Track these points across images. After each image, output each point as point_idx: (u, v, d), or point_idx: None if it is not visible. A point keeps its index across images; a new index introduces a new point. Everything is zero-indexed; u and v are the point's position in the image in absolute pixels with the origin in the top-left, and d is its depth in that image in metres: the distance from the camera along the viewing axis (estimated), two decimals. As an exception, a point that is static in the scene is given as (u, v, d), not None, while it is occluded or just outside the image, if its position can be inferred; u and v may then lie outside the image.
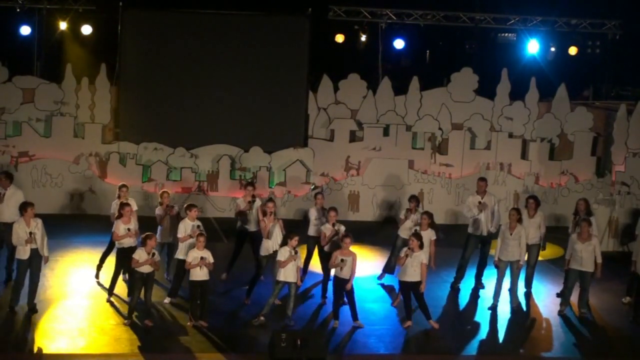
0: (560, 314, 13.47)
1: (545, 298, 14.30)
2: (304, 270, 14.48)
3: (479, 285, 14.69)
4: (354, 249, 12.71)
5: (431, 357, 11.87)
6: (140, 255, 12.14)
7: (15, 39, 19.97)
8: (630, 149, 19.15)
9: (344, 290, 12.47)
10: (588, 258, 13.16)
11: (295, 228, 14.37)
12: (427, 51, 22.46)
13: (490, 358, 11.98)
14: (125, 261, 13.11)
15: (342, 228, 13.50)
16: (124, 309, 12.62)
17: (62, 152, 18.92)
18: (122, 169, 18.98)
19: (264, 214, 13.45)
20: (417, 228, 13.58)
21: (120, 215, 13.18)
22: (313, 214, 14.32)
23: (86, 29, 19.76)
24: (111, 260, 13.74)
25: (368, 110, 19.84)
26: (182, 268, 12.88)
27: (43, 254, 12.53)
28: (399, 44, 21.03)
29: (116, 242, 13.27)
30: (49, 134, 19.02)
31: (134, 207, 13.72)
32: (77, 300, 13.18)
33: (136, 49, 19.19)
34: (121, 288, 13.40)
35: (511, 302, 13.74)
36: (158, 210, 13.94)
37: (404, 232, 14.33)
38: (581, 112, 20.04)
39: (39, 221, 12.54)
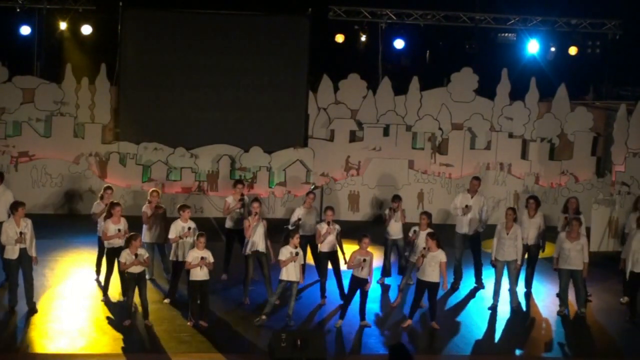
0: (560, 314, 13.47)
1: (545, 298, 14.30)
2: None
3: (479, 285, 14.70)
4: (352, 248, 12.72)
5: (431, 357, 11.87)
6: (125, 257, 12.11)
7: (15, 39, 19.96)
8: (630, 149, 19.16)
9: (360, 289, 12.46)
10: (576, 257, 13.13)
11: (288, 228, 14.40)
12: (427, 51, 22.43)
13: (490, 358, 11.99)
14: (115, 261, 13.11)
15: (337, 227, 13.51)
16: (123, 309, 12.61)
17: (62, 152, 18.93)
18: (122, 169, 18.98)
19: (249, 213, 13.45)
20: (417, 228, 13.56)
21: (110, 215, 13.16)
22: (300, 213, 14.23)
23: (86, 29, 19.75)
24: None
25: (368, 110, 19.84)
26: (177, 269, 12.90)
27: (31, 254, 12.51)
28: (399, 44, 21.03)
29: (105, 242, 13.24)
30: (49, 134, 19.02)
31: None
32: (77, 300, 13.19)
33: (136, 49, 19.20)
34: (116, 288, 13.39)
35: (511, 302, 13.74)
36: (145, 209, 13.91)
37: (391, 232, 14.36)
38: (581, 112, 20.04)
39: (29, 221, 12.53)
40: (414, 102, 19.89)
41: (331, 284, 13.66)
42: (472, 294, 14.45)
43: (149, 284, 13.33)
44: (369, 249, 12.53)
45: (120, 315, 12.45)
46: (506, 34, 21.38)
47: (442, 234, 17.02)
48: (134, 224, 13.64)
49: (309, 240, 14.10)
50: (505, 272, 13.64)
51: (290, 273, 12.34)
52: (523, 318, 13.47)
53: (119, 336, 11.86)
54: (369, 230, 16.18)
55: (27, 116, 18.95)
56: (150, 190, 14.39)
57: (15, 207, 12.55)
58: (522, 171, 19.91)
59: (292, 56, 19.57)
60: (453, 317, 13.39)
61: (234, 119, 19.56)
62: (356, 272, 12.42)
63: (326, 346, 11.29)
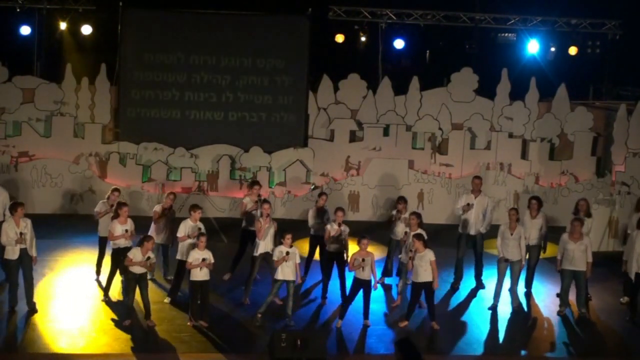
0: (560, 314, 13.47)
1: (546, 298, 14.30)
2: (305, 270, 14.50)
3: (479, 285, 14.70)
4: (354, 248, 12.72)
5: (431, 357, 11.87)
6: (135, 254, 12.12)
7: (15, 39, 19.96)
8: (630, 149, 19.15)
9: (363, 290, 12.46)
10: (580, 257, 13.15)
11: (295, 228, 14.40)
12: (427, 51, 22.43)
13: (490, 358, 11.99)
14: (120, 261, 13.13)
15: (347, 229, 13.51)
16: (124, 309, 12.62)
17: (62, 152, 18.92)
18: (122, 169, 18.98)
19: (260, 215, 13.48)
20: (408, 229, 13.53)
21: (117, 215, 13.18)
22: (313, 214, 14.34)
23: (86, 29, 19.75)
24: (109, 259, 13.76)
25: (368, 110, 19.84)
26: (181, 268, 12.89)
27: (32, 254, 12.52)
28: (399, 44, 21.02)
29: (111, 242, 13.25)
30: (49, 134, 19.02)
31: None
32: (77, 300, 13.19)
33: (136, 49, 19.19)
34: (117, 288, 13.40)
35: (512, 302, 13.74)
36: (157, 208, 13.94)
37: (397, 233, 14.38)
38: (581, 112, 20.03)
39: (28, 221, 12.54)
40: (414, 102, 19.88)
41: (333, 284, 13.65)
42: (472, 294, 14.45)
43: (150, 284, 13.34)
44: (370, 249, 12.54)
45: (121, 315, 12.46)
46: (506, 34, 21.37)
47: (445, 234, 17.13)
48: (135, 224, 13.64)
49: (319, 241, 14.12)
50: (507, 272, 13.64)
51: (285, 272, 12.35)
52: (524, 318, 13.47)
53: (119, 336, 11.87)
54: (369, 230, 16.22)
55: (27, 116, 18.95)
56: (168, 192, 14.54)
57: (14, 207, 12.57)
58: (522, 171, 19.90)
59: (292, 56, 19.56)
60: (453, 317, 13.39)
61: (234, 119, 19.57)
62: (358, 273, 12.43)
63: (326, 346, 11.30)
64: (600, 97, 22.01)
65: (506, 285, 13.76)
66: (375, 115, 19.82)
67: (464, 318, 13.39)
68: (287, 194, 19.27)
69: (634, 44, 21.14)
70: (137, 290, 12.25)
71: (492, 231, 14.40)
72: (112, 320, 12.44)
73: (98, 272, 14.12)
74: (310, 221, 14.36)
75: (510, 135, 20.04)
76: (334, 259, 13.49)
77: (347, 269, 13.03)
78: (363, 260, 12.28)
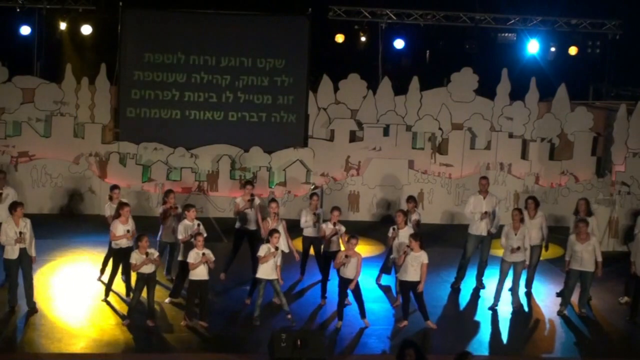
0: (560, 314, 13.47)
1: (546, 298, 14.30)
2: (301, 270, 14.52)
3: (479, 285, 14.69)
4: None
5: (431, 357, 11.86)
6: (136, 258, 12.14)
7: (15, 39, 19.93)
8: (630, 149, 19.14)
9: (350, 290, 12.47)
10: (589, 258, 13.17)
11: (295, 228, 14.42)
12: (427, 51, 22.40)
13: (490, 358, 11.99)
14: (122, 261, 13.15)
15: (343, 229, 13.52)
16: (123, 309, 12.63)
17: (62, 152, 18.92)
18: (122, 169, 18.98)
19: (267, 214, 13.47)
20: (395, 227, 13.48)
21: (118, 215, 13.19)
22: (306, 215, 14.29)
23: (86, 29, 19.71)
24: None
25: (368, 110, 19.83)
26: (183, 269, 12.89)
27: (31, 254, 12.53)
28: (399, 44, 20.99)
29: (112, 243, 13.27)
30: (49, 134, 19.02)
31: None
32: (77, 300, 13.19)
33: (136, 49, 19.18)
34: (119, 288, 13.41)
35: (512, 302, 13.74)
36: (161, 209, 13.97)
37: (401, 235, 14.35)
38: (581, 112, 20.02)
39: (28, 221, 12.57)
40: (414, 102, 19.88)
41: (332, 284, 13.64)
42: (472, 294, 14.44)
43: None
44: (370, 248, 12.53)
45: (121, 315, 12.46)
46: (506, 34, 21.33)
47: (445, 234, 17.14)
48: (136, 224, 13.66)
49: (313, 241, 14.14)
50: (510, 273, 13.63)
51: (266, 271, 12.33)
52: (524, 318, 13.46)
53: (119, 336, 11.87)
54: (369, 230, 16.30)
55: (27, 116, 18.94)
56: (166, 190, 14.50)
57: (14, 207, 12.59)
58: (522, 171, 19.90)
59: (292, 56, 19.55)
60: (453, 317, 13.39)
61: (234, 119, 19.57)
62: (341, 272, 12.42)
63: (326, 346, 11.30)
64: (600, 97, 21.99)
65: (507, 285, 13.75)
66: (375, 115, 19.82)
67: (463, 318, 13.39)
68: (287, 194, 19.27)
69: (634, 44, 21.12)
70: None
71: (498, 232, 14.36)
72: (112, 320, 12.44)
73: (103, 272, 14.11)
74: (303, 221, 14.27)
75: (510, 135, 20.04)
76: (331, 258, 13.49)
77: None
78: (346, 256, 12.27)
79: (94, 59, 19.67)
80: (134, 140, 19.14)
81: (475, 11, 20.81)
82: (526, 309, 13.84)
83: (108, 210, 14.07)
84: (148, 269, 12.16)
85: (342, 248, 13.19)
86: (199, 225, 13.01)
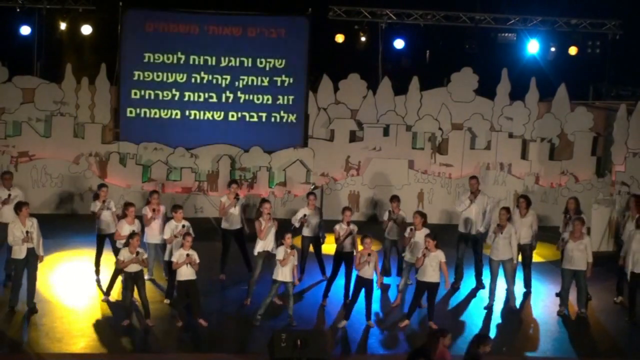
0: (560, 314, 13.48)
1: (545, 298, 14.31)
2: (301, 270, 14.51)
3: (479, 285, 14.70)
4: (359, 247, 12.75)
5: (431, 357, 11.87)
6: (124, 255, 12.15)
7: (15, 39, 19.93)
8: (630, 149, 19.15)
9: (365, 289, 12.47)
10: (580, 257, 13.15)
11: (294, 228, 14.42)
12: (427, 51, 22.41)
13: (490, 358, 11.98)
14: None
15: (355, 228, 13.52)
16: (123, 310, 12.62)
17: (62, 152, 18.93)
18: (122, 169, 18.98)
19: (260, 214, 13.48)
20: (412, 227, 13.51)
21: (124, 216, 13.25)
22: (304, 212, 14.29)
23: (86, 29, 19.72)
24: (109, 259, 13.75)
25: (368, 110, 19.84)
26: (171, 269, 12.90)
27: (39, 254, 12.57)
28: (399, 44, 20.99)
29: (117, 243, 13.30)
30: (49, 134, 19.02)
31: (113, 208, 13.96)
32: (77, 300, 13.20)
33: (136, 49, 19.19)
34: (118, 288, 13.40)
35: (509, 302, 13.74)
36: (144, 210, 13.95)
37: (390, 234, 14.38)
38: (581, 112, 20.03)
39: (34, 221, 12.60)
40: (414, 102, 19.88)
41: (336, 284, 13.64)
42: (472, 294, 14.45)
43: (149, 285, 13.36)
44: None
45: (120, 315, 12.46)
46: (506, 34, 21.33)
47: (445, 234, 17.13)
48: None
49: (312, 241, 14.16)
50: (502, 272, 13.64)
51: (284, 273, 12.35)
52: (523, 318, 13.47)
53: (119, 336, 11.88)
54: (369, 230, 16.23)
55: (27, 116, 18.95)
56: (150, 191, 14.56)
57: (19, 207, 12.67)
58: (522, 171, 19.90)
59: (292, 56, 19.56)
60: (453, 317, 13.40)
61: (234, 119, 19.57)
62: (362, 272, 12.45)
63: (327, 346, 11.29)
64: (600, 97, 21.99)
65: (502, 284, 13.76)
66: (375, 115, 19.82)
67: (463, 318, 13.40)
68: (287, 194, 19.27)
69: (634, 44, 21.13)
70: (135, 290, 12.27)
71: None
72: (112, 320, 12.44)
73: (97, 272, 14.14)
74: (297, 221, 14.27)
75: (510, 135, 20.04)
76: (343, 258, 13.48)
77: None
78: (369, 254, 12.30)
79: (94, 59, 19.68)
80: (134, 140, 19.14)
81: (475, 11, 20.82)
82: (525, 308, 13.84)
83: (94, 206, 14.16)
84: (135, 267, 12.15)
85: (360, 248, 13.11)
86: (183, 226, 13.01)
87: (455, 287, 14.61)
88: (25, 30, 19.83)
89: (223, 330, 12.25)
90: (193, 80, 19.38)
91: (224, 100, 19.51)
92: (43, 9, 19.59)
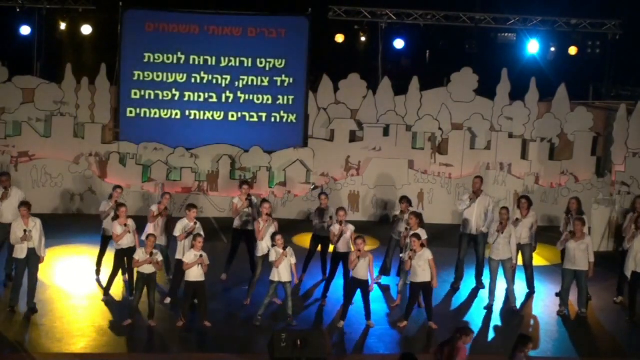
0: (560, 314, 13.47)
1: (545, 298, 14.30)
2: (304, 269, 14.51)
3: (479, 285, 14.70)
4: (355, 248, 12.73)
5: (430, 357, 11.86)
6: (140, 255, 12.18)
7: (15, 39, 19.95)
8: (630, 149, 19.15)
9: (361, 290, 12.47)
10: (581, 257, 13.14)
11: (295, 228, 14.43)
12: (427, 51, 22.43)
13: (490, 358, 11.99)
14: (123, 261, 13.17)
15: (351, 228, 13.51)
16: (124, 309, 12.62)
17: (62, 152, 18.92)
18: (122, 169, 18.98)
19: (259, 214, 13.49)
20: (408, 227, 13.52)
21: (116, 217, 13.23)
22: (315, 214, 14.40)
23: (86, 29, 19.73)
24: (109, 259, 13.75)
25: (368, 110, 19.84)
26: (180, 268, 12.90)
27: (40, 254, 12.56)
28: (399, 44, 21.00)
29: (115, 243, 13.29)
30: (49, 134, 19.02)
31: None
32: (77, 300, 13.20)
33: (136, 49, 19.19)
34: (118, 288, 13.41)
35: (510, 302, 13.73)
36: (153, 207, 13.92)
37: (396, 233, 14.39)
38: (581, 112, 20.03)
39: (38, 221, 12.61)
40: (414, 102, 19.88)
41: (335, 284, 13.64)
42: (472, 294, 14.45)
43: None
44: (369, 248, 12.55)
45: (121, 315, 12.46)
46: (506, 34, 21.35)
47: (445, 234, 17.14)
48: (137, 224, 13.66)
49: (321, 241, 14.17)
50: (502, 272, 13.64)
51: (281, 274, 12.35)
52: (524, 318, 13.47)
53: (119, 336, 11.87)
54: (368, 230, 16.30)
55: (27, 116, 18.95)
56: (163, 192, 14.66)
57: (19, 206, 12.65)
58: (522, 171, 19.90)
59: (292, 56, 19.56)
60: (453, 317, 13.39)
61: (234, 119, 19.58)
62: (354, 272, 12.44)
63: (326, 346, 11.29)
64: (600, 97, 21.99)
65: (502, 284, 13.75)
66: (375, 115, 19.82)
67: (463, 318, 13.39)
68: (287, 194, 19.27)
69: (634, 44, 21.14)
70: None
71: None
72: (112, 320, 12.44)
73: (98, 272, 14.15)
74: (314, 221, 14.42)
75: (510, 135, 20.04)
76: (340, 259, 13.49)
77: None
78: (358, 257, 12.29)
79: (94, 59, 19.69)
80: (134, 140, 19.14)
81: (475, 11, 20.83)
82: (525, 309, 13.84)
83: (104, 206, 14.12)
84: (149, 269, 12.17)
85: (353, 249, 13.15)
86: (195, 223, 13.03)
87: (455, 287, 14.61)
88: (25, 30, 19.84)
89: (223, 331, 12.25)
90: (193, 80, 19.39)
91: (224, 100, 19.52)
92: (43, 9, 19.60)
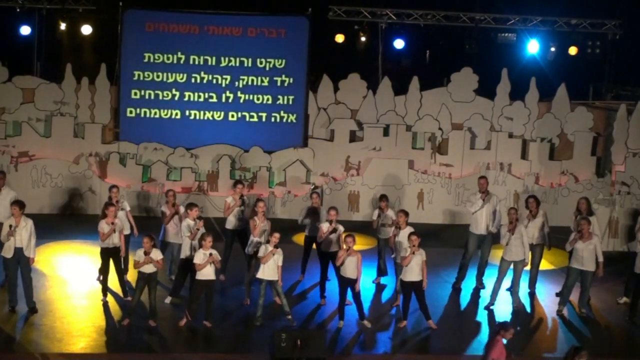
0: (559, 313, 13.47)
1: (546, 298, 14.30)
2: (302, 270, 14.52)
3: (479, 285, 14.69)
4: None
5: (431, 357, 11.89)
6: (139, 255, 12.17)
7: (15, 39, 19.94)
8: (630, 149, 19.14)
9: (348, 289, 12.48)
10: (589, 257, 13.16)
11: (294, 228, 14.43)
12: (427, 51, 22.43)
13: (490, 358, 11.99)
14: (108, 261, 13.10)
15: (341, 228, 13.51)
16: (123, 309, 12.62)
17: (62, 152, 18.92)
18: (122, 169, 18.98)
19: (255, 214, 13.50)
20: (397, 226, 13.47)
21: (104, 216, 13.19)
22: (307, 213, 14.35)
23: (86, 29, 19.73)
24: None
25: (368, 110, 19.83)
26: (185, 268, 12.89)
27: (28, 255, 12.51)
28: (399, 44, 21.00)
29: (100, 242, 13.20)
30: (49, 134, 19.02)
31: (127, 208, 13.93)
32: (77, 300, 13.20)
33: (136, 49, 19.19)
34: (118, 288, 13.40)
35: (512, 302, 13.73)
36: (164, 208, 13.98)
37: (382, 233, 14.37)
38: (581, 112, 20.02)
39: (29, 221, 12.56)
40: (414, 102, 19.88)
41: (332, 284, 13.65)
42: (472, 294, 14.44)
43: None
44: (366, 248, 12.54)
45: (121, 315, 12.46)
46: (506, 34, 21.33)
47: (445, 234, 17.14)
48: (137, 224, 13.65)
49: (315, 240, 14.19)
50: (510, 272, 13.62)
51: (266, 271, 12.35)
52: (525, 318, 13.46)
53: (119, 336, 11.88)
54: (369, 230, 16.23)
55: (27, 116, 18.95)
56: (167, 190, 14.57)
57: (10, 205, 12.66)
58: (522, 171, 19.89)
59: (292, 56, 19.56)
60: (453, 317, 13.40)
61: (234, 119, 19.58)
62: (342, 271, 12.43)
63: (326, 346, 11.30)
64: (600, 97, 21.98)
65: (505, 285, 13.75)
66: (375, 115, 19.82)
67: (463, 318, 13.39)
68: (287, 194, 19.27)
69: (634, 44, 21.12)
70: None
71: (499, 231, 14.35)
72: (112, 320, 12.44)
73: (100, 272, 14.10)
74: (305, 220, 14.37)
75: (510, 135, 20.04)
76: (329, 258, 13.49)
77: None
78: (347, 253, 12.28)
79: (94, 59, 19.69)
80: (134, 140, 19.14)
81: (475, 11, 20.82)
82: (527, 309, 13.84)
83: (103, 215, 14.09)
84: (149, 268, 12.16)
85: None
86: (200, 219, 13.03)
87: (455, 287, 14.60)
88: (25, 30, 19.84)
89: (223, 330, 12.25)
90: (193, 80, 19.39)
91: (224, 100, 19.52)
92: (43, 9, 19.60)
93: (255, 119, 19.63)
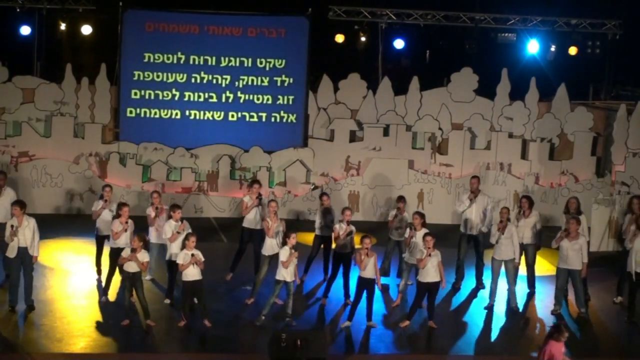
0: (554, 313, 13.47)
1: (545, 298, 14.29)
2: (305, 269, 14.51)
3: (479, 285, 14.70)
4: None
5: (431, 357, 11.89)
6: (127, 252, 12.15)
7: (15, 39, 19.94)
8: (630, 149, 19.15)
9: (367, 290, 12.48)
10: (574, 257, 13.14)
11: (294, 228, 14.41)
12: (427, 51, 22.44)
13: (491, 358, 12.00)
14: (117, 261, 13.12)
15: (353, 228, 13.52)
16: (123, 310, 12.62)
17: (62, 152, 18.92)
18: (122, 169, 18.98)
19: (267, 214, 13.53)
20: (412, 227, 13.50)
21: (118, 216, 13.24)
22: (318, 214, 14.39)
23: (86, 29, 19.74)
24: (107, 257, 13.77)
25: (368, 110, 19.84)
26: (172, 269, 12.89)
27: (32, 254, 12.52)
28: (399, 44, 21.00)
29: (111, 242, 13.28)
30: (49, 134, 19.02)
31: (114, 211, 13.94)
32: (77, 300, 13.20)
33: (136, 49, 19.19)
34: (116, 288, 13.40)
35: (510, 302, 13.74)
36: (148, 211, 13.97)
37: (394, 234, 14.39)
38: (581, 112, 20.03)
39: (32, 220, 12.57)
40: (414, 102, 19.89)
41: (335, 284, 13.64)
42: (472, 294, 14.45)
43: (149, 285, 13.38)
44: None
45: (120, 315, 12.46)
46: (506, 34, 21.34)
47: (445, 234, 17.13)
48: (136, 224, 13.64)
49: (324, 240, 14.18)
50: (503, 272, 13.64)
51: (287, 273, 12.36)
52: (523, 318, 13.48)
53: (119, 336, 11.88)
54: (368, 230, 16.25)
55: (27, 116, 18.95)
56: (152, 191, 14.60)
57: (11, 205, 12.66)
58: (522, 171, 19.90)
59: (292, 56, 19.57)
60: (453, 317, 13.40)
61: (234, 119, 19.58)
62: (362, 272, 12.46)
63: (326, 346, 11.30)
64: (600, 97, 22.00)
65: (503, 284, 13.75)
66: (375, 115, 19.82)
67: (463, 318, 13.40)
68: (287, 194, 19.27)
69: (634, 44, 21.13)
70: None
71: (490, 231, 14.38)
72: (112, 320, 12.44)
73: (99, 272, 14.13)
74: (317, 221, 14.46)
75: (510, 135, 20.04)
76: (341, 258, 13.49)
77: (354, 267, 13.01)
78: (367, 254, 12.33)
79: (94, 59, 19.68)
80: (134, 140, 19.14)
81: (475, 11, 20.83)
82: (526, 309, 13.84)
83: (95, 205, 14.16)
84: (132, 267, 12.12)
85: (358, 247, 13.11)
86: (183, 221, 13.01)
87: (456, 287, 14.61)
88: (25, 30, 19.84)
89: (223, 330, 12.24)
90: (193, 80, 19.40)
91: (224, 100, 19.52)
92: (43, 9, 19.60)
93: (255, 119, 19.63)
